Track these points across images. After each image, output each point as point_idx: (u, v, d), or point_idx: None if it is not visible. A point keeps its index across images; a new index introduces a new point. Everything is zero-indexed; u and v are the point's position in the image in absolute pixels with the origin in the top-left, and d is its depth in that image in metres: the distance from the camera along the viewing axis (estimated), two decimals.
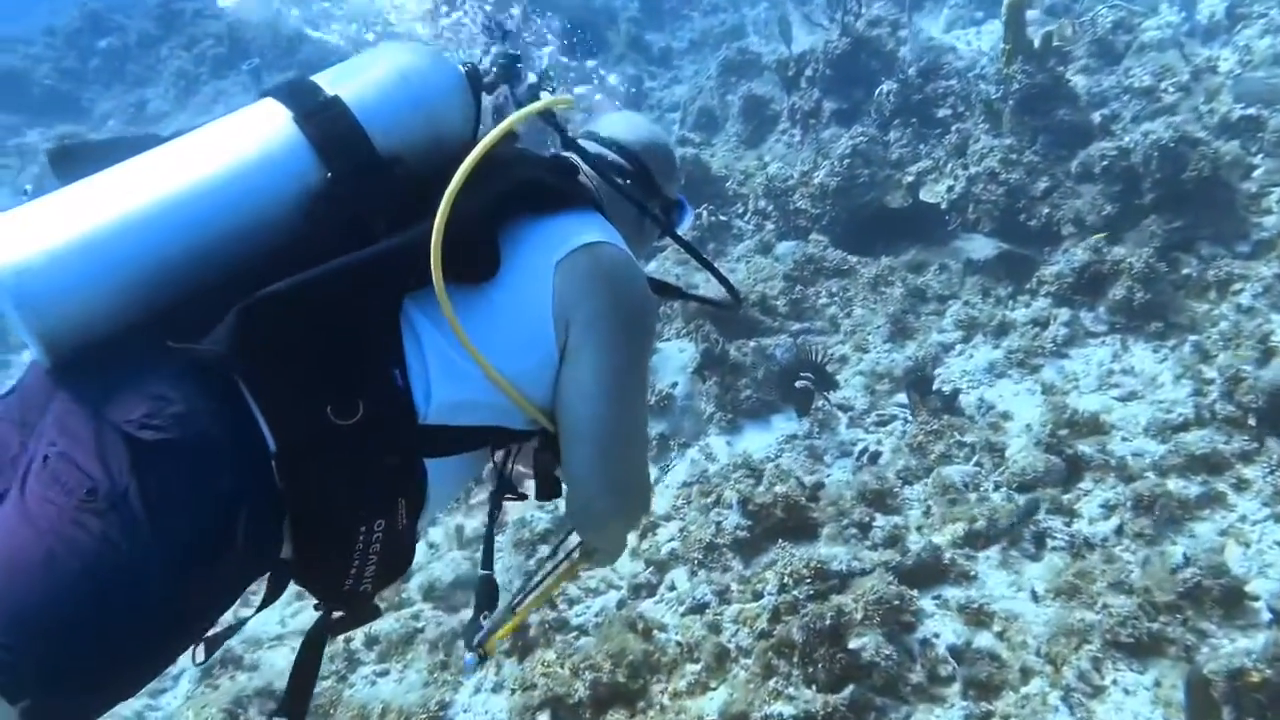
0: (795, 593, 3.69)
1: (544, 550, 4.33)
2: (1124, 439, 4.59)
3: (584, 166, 1.74)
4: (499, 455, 1.72)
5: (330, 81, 1.49)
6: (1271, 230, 5.46)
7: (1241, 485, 4.18)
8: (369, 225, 1.42)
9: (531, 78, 1.72)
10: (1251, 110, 6.10)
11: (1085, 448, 4.44)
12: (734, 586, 3.89)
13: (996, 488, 4.39)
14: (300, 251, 1.37)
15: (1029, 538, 4.04)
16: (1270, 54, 6.75)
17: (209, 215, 1.36)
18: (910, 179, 6.66)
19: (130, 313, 1.32)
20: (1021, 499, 4.23)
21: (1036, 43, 6.22)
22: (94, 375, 1.32)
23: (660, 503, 4.69)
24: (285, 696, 1.55)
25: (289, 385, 1.36)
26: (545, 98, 1.64)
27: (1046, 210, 5.93)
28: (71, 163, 1.47)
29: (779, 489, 4.20)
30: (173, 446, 1.28)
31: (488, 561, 1.79)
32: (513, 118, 1.53)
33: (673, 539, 4.34)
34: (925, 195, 6.50)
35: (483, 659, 1.72)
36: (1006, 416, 4.99)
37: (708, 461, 4.95)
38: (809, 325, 6.18)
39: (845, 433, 5.21)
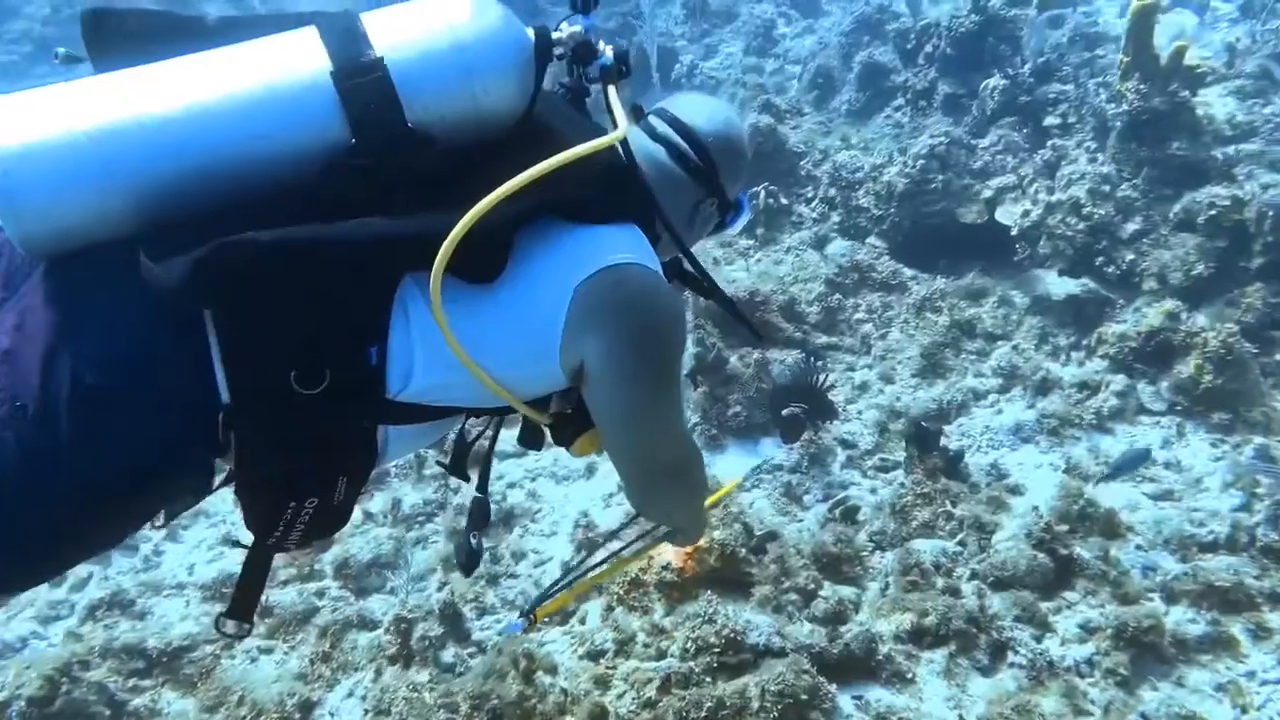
0: (695, 663, 3.33)
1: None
2: (1137, 547, 3.98)
3: (646, 147, 1.66)
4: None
5: (382, 29, 1.38)
6: None
7: (1261, 633, 3.55)
8: (385, 197, 1.35)
9: (607, 52, 1.58)
10: None
11: (1083, 550, 3.85)
12: (640, 637, 3.55)
13: (972, 577, 3.87)
14: (306, 202, 1.31)
15: (985, 645, 3.53)
16: None
17: (215, 143, 1.30)
18: (989, 194, 5.93)
19: (113, 223, 1.29)
20: (995, 597, 3.72)
21: (1164, 58, 5.36)
22: (71, 277, 1.31)
23: (609, 517, 4.37)
24: (235, 592, 1.55)
25: (256, 341, 1.33)
26: (614, 97, 1.54)
27: (1130, 257, 5.17)
28: (105, 32, 1.43)
29: (718, 535, 3.80)
30: (114, 395, 1.28)
31: (483, 485, 1.85)
32: (586, 147, 1.40)
33: (605, 563, 4.01)
34: (1001, 215, 5.78)
35: (531, 625, 1.90)
36: (1015, 491, 4.41)
37: None
38: (836, 341, 5.65)
39: (838, 472, 4.73)
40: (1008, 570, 3.80)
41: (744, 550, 3.81)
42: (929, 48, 7.67)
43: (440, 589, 3.97)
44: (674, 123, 1.71)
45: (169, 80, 1.31)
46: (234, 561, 4.13)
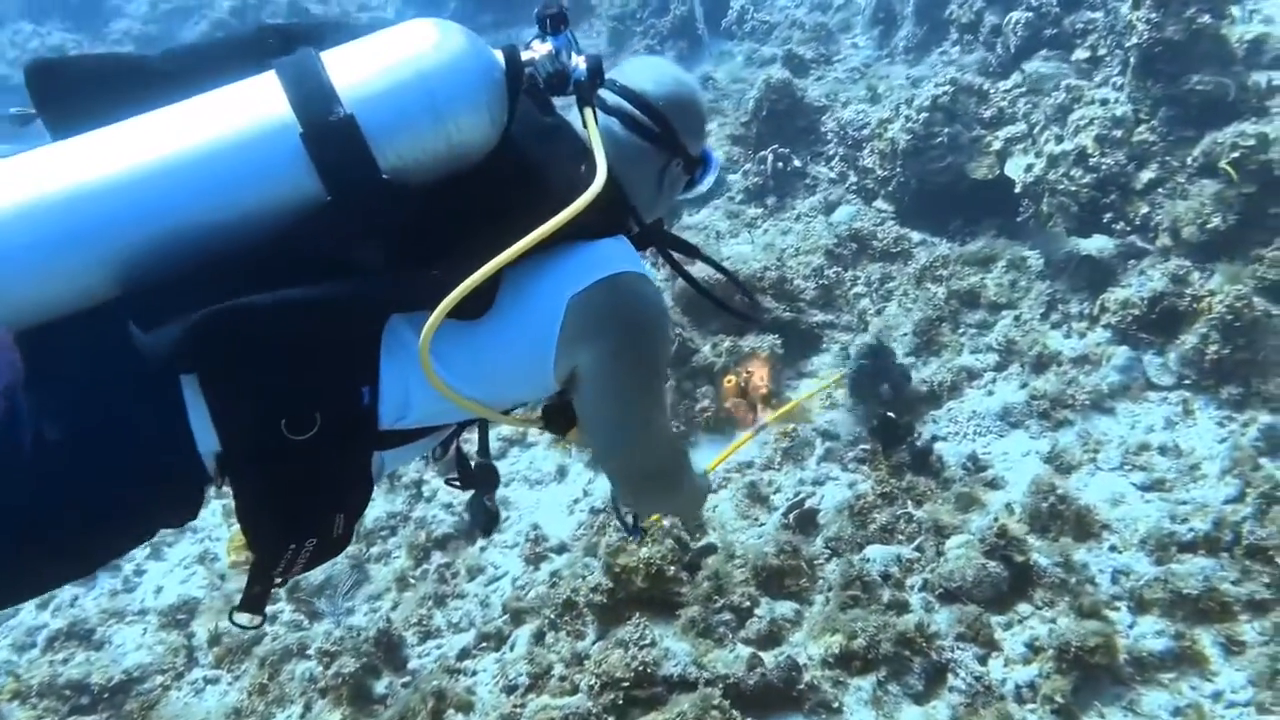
0: (602, 699, 3.30)
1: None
2: (1111, 548, 3.65)
3: (603, 123, 1.59)
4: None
5: (346, 72, 1.32)
6: None
7: (1234, 647, 3.22)
8: (366, 247, 1.33)
9: (580, 64, 1.52)
10: None
11: (1041, 556, 3.57)
12: (557, 670, 3.54)
13: (923, 587, 3.66)
14: (286, 256, 1.29)
15: (921, 669, 3.34)
16: None
17: (185, 207, 1.27)
18: (999, 145, 5.44)
19: (88, 292, 1.28)
20: (943, 611, 3.51)
21: None
22: (40, 334, 1.31)
23: (564, 527, 4.36)
24: (246, 588, 1.55)
25: (244, 395, 1.33)
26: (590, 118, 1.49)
27: (1144, 210, 4.65)
28: (53, 86, 1.39)
29: (645, 552, 3.72)
30: (83, 447, 1.30)
31: (484, 450, 1.89)
32: (575, 207, 1.36)
33: (549, 581, 4.01)
34: (1010, 169, 5.30)
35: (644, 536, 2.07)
36: (993, 485, 4.12)
37: None
38: (832, 319, 5.36)
39: (815, 467, 4.53)
40: (955, 581, 3.57)
41: (674, 568, 3.73)
42: None
43: (395, 608, 4.08)
44: (624, 92, 1.68)
45: (132, 145, 1.28)
46: (198, 586, 4.36)
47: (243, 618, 1.55)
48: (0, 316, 1.28)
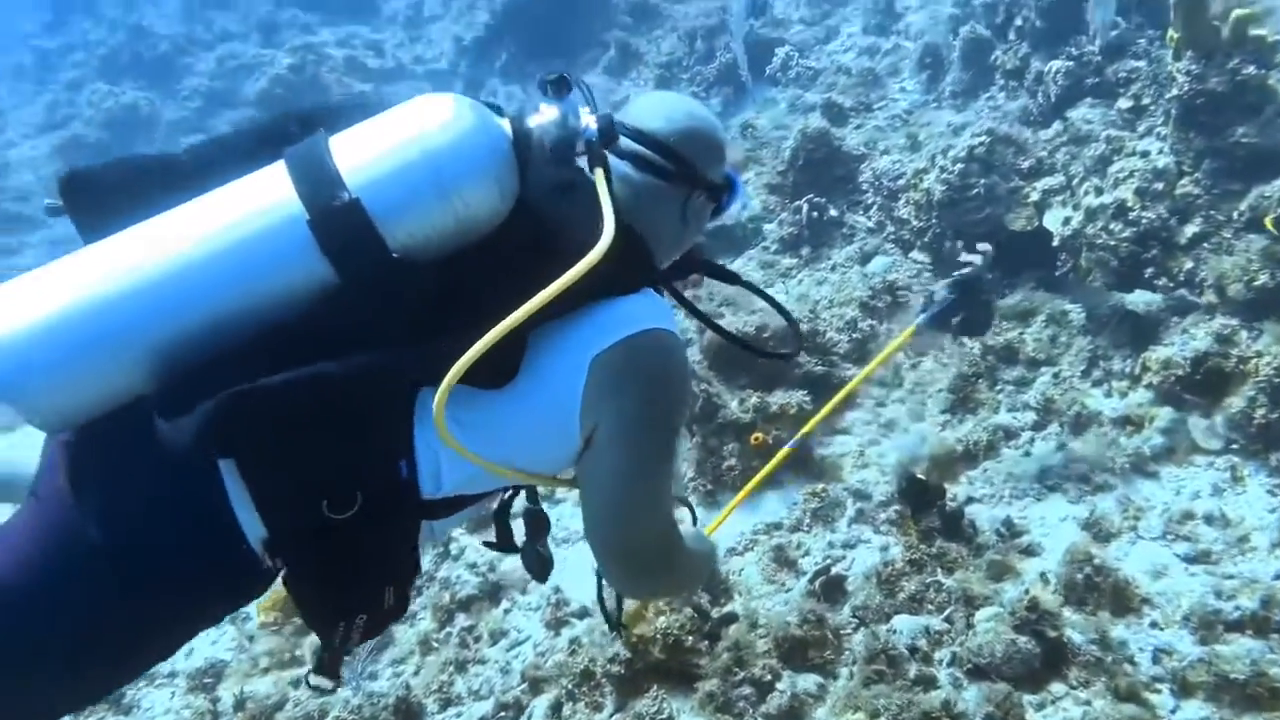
0: None
1: None
2: (1152, 625, 3.48)
3: (617, 168, 1.60)
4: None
5: (352, 156, 1.36)
6: None
7: None
8: (384, 322, 1.37)
9: (590, 124, 1.53)
10: None
11: (1074, 633, 3.42)
12: None
13: (951, 662, 3.53)
14: (307, 336, 1.33)
15: None
16: None
17: (205, 302, 1.32)
18: (1037, 196, 5.33)
19: (123, 390, 1.33)
20: (971, 689, 3.38)
21: (1225, 30, 4.60)
22: (81, 439, 1.38)
23: (587, 590, 4.31)
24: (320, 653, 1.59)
25: (281, 479, 1.37)
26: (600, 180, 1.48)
27: (1188, 266, 4.49)
28: (85, 193, 1.47)
29: (662, 621, 3.66)
30: (136, 550, 1.35)
31: (533, 498, 1.87)
32: (582, 265, 1.36)
33: (570, 648, 3.97)
34: (1049, 221, 5.19)
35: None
36: (1029, 551, 3.97)
37: None
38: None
39: (845, 530, 4.43)
40: (984, 656, 3.44)
41: (692, 638, 3.66)
42: (1019, 20, 6.98)
43: (417, 672, 4.07)
44: (634, 134, 1.66)
45: (148, 246, 1.32)
46: (226, 647, 4.40)
47: (320, 680, 1.57)
48: (37, 424, 1.33)
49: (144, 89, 12.95)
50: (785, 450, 3.79)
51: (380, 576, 1.48)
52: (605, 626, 2.03)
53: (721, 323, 1.89)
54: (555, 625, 4.13)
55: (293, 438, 1.33)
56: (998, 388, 4.87)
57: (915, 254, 5.85)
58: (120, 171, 1.48)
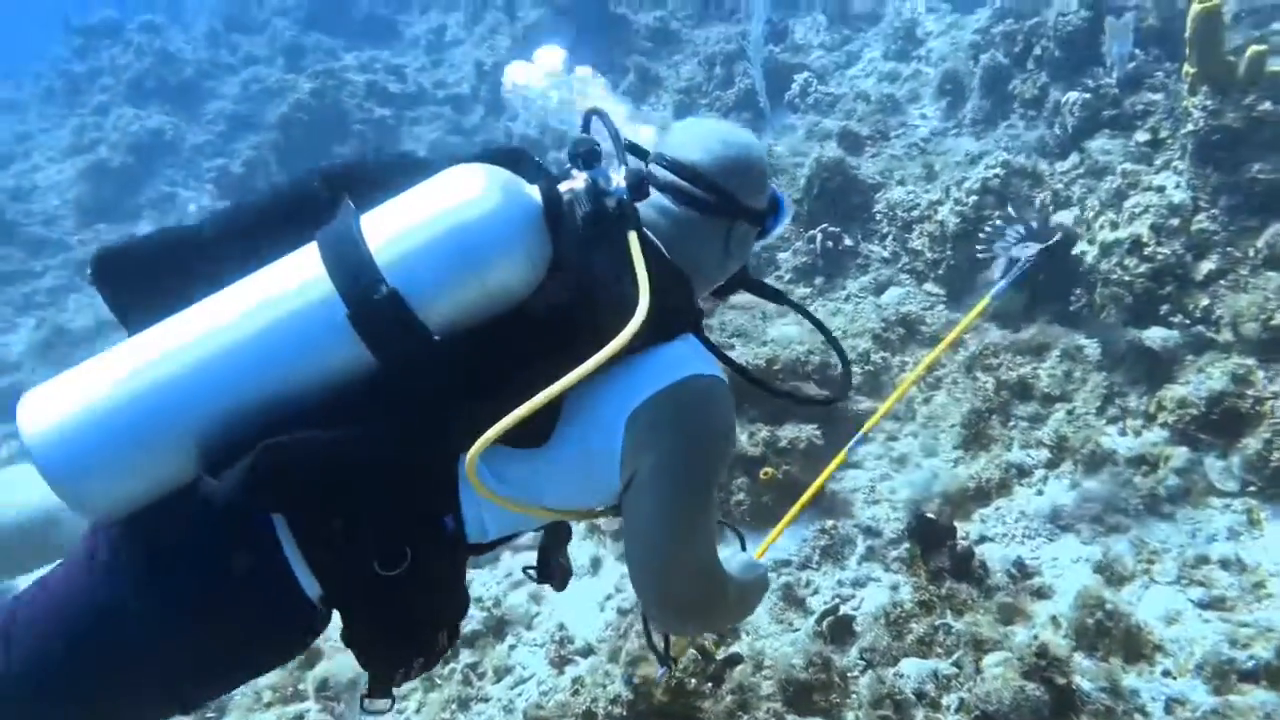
0: None
1: None
2: (1165, 673, 3.42)
3: (657, 202, 1.64)
4: None
5: (385, 239, 1.37)
6: None
7: None
8: (424, 396, 1.40)
9: (620, 182, 1.52)
10: None
11: (1084, 680, 3.36)
12: None
13: (960, 707, 3.47)
14: (348, 407, 1.36)
15: None
16: None
17: (247, 391, 1.35)
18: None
19: (169, 478, 1.35)
20: None
21: (1241, 66, 4.55)
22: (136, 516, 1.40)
23: (593, 627, 4.29)
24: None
25: (330, 537, 1.40)
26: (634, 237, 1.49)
27: (1204, 303, 4.43)
28: (115, 274, 1.50)
29: None
30: (201, 614, 1.42)
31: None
32: (616, 344, 1.37)
33: (573, 688, 3.94)
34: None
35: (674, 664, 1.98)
36: (1041, 594, 3.91)
37: None
38: (879, 407, 5.23)
39: (855, 567, 4.39)
40: (992, 703, 3.38)
41: (695, 680, 3.63)
42: (1037, 49, 6.96)
43: (419, 710, 4.06)
44: (673, 166, 1.67)
45: (189, 341, 1.35)
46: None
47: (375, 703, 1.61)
48: (91, 515, 1.38)
49: (169, 113, 13.15)
50: (840, 456, 3.81)
51: (434, 622, 1.53)
52: (652, 659, 2.03)
53: (731, 354, 1.88)
54: (559, 663, 4.10)
55: (336, 498, 1.37)
56: (1011, 424, 4.82)
57: (929, 285, 5.81)
58: (147, 249, 1.51)
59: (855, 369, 5.38)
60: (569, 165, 1.56)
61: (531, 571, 1.86)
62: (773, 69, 10.04)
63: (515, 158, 1.58)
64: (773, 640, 3.97)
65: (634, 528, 1.54)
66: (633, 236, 1.47)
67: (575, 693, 3.83)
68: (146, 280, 1.47)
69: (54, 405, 1.31)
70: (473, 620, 4.44)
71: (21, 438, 1.30)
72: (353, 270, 1.34)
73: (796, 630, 4.06)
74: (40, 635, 1.42)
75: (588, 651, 4.16)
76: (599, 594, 4.53)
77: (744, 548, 2.06)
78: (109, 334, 9.64)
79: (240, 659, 1.53)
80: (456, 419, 1.37)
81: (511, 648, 4.33)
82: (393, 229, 1.38)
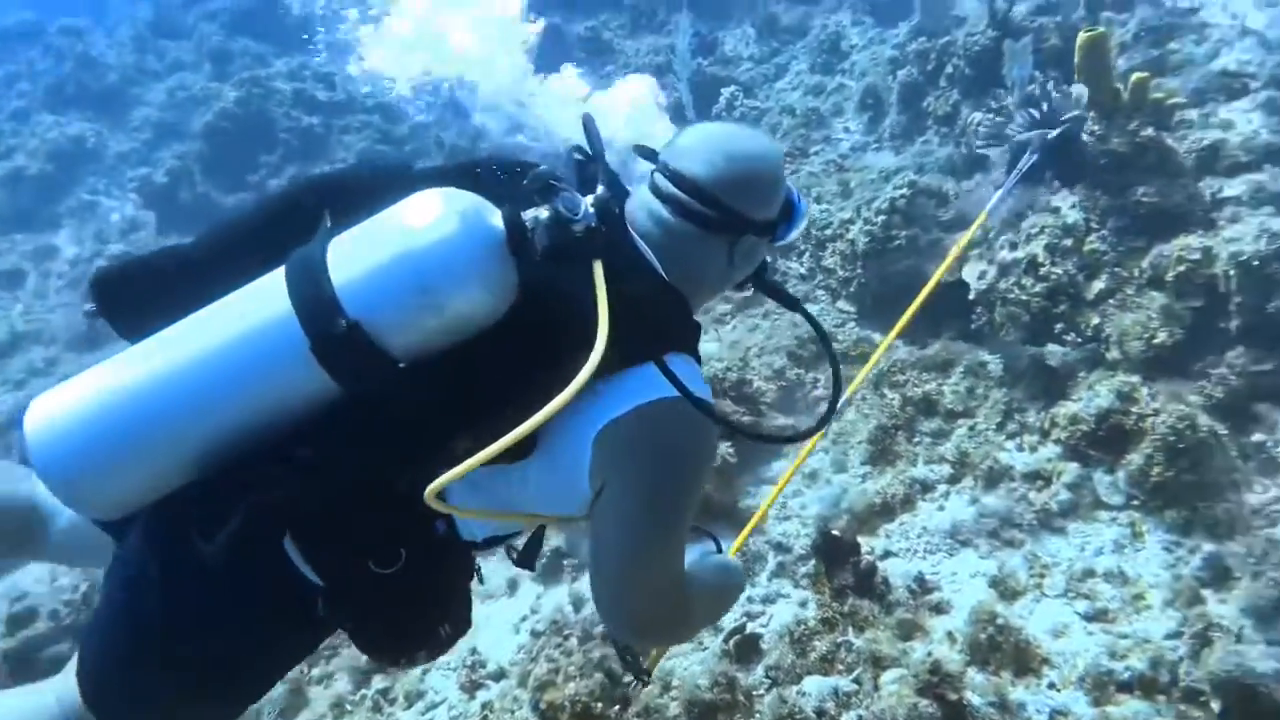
0: None
1: None
2: (1050, 686, 3.56)
3: (657, 214, 1.62)
4: None
5: (347, 280, 1.39)
6: None
7: None
8: (394, 421, 1.44)
9: (588, 206, 1.48)
10: None
11: (974, 695, 3.48)
12: None
13: None
14: (326, 430, 1.43)
15: None
16: None
17: (216, 415, 1.41)
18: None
19: (158, 484, 1.44)
20: None
21: (1126, 92, 4.74)
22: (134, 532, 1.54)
23: (506, 650, 4.32)
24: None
25: (327, 544, 1.49)
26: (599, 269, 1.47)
27: (1095, 321, 4.61)
28: (114, 294, 1.58)
29: (572, 688, 3.68)
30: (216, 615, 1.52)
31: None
32: (574, 387, 1.38)
33: (482, 713, 3.97)
34: (966, 274, 5.30)
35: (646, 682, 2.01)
36: (939, 609, 4.04)
37: (571, 606, 4.46)
38: (793, 423, 5.34)
39: (764, 584, 4.48)
40: None
41: (602, 704, 3.68)
42: (949, 68, 7.13)
43: None
44: (674, 178, 1.61)
45: (166, 360, 1.41)
46: None
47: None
48: (85, 513, 1.52)
49: (91, 120, 12.82)
50: (818, 434, 3.82)
51: (435, 616, 1.59)
52: (560, 683, 2.06)
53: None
54: (470, 688, 4.12)
55: (326, 524, 1.46)
56: (916, 440, 4.95)
57: (842, 303, 5.94)
58: (143, 269, 1.58)
59: (771, 386, 5.49)
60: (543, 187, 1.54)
61: (514, 554, 1.84)
62: (702, 82, 10.12)
63: (498, 173, 1.60)
64: (681, 660, 4.04)
65: (597, 546, 1.54)
66: (597, 266, 1.45)
67: (484, 718, 3.87)
68: (143, 299, 1.53)
69: (51, 408, 1.41)
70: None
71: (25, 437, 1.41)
72: (314, 303, 1.37)
73: (705, 649, 4.13)
74: (95, 654, 1.60)
75: (500, 675, 4.19)
76: (514, 616, 4.55)
77: (719, 549, 2.02)
78: (26, 346, 9.40)
79: (257, 658, 1.62)
80: (427, 444, 1.41)
81: (425, 672, 4.33)
82: (354, 258, 1.40)
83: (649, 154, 1.71)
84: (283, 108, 10.99)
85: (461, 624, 1.64)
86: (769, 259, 1.88)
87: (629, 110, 2.12)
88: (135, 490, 1.43)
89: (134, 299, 1.55)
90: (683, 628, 1.76)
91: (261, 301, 1.42)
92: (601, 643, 4.27)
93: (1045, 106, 4.98)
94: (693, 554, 1.81)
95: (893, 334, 3.59)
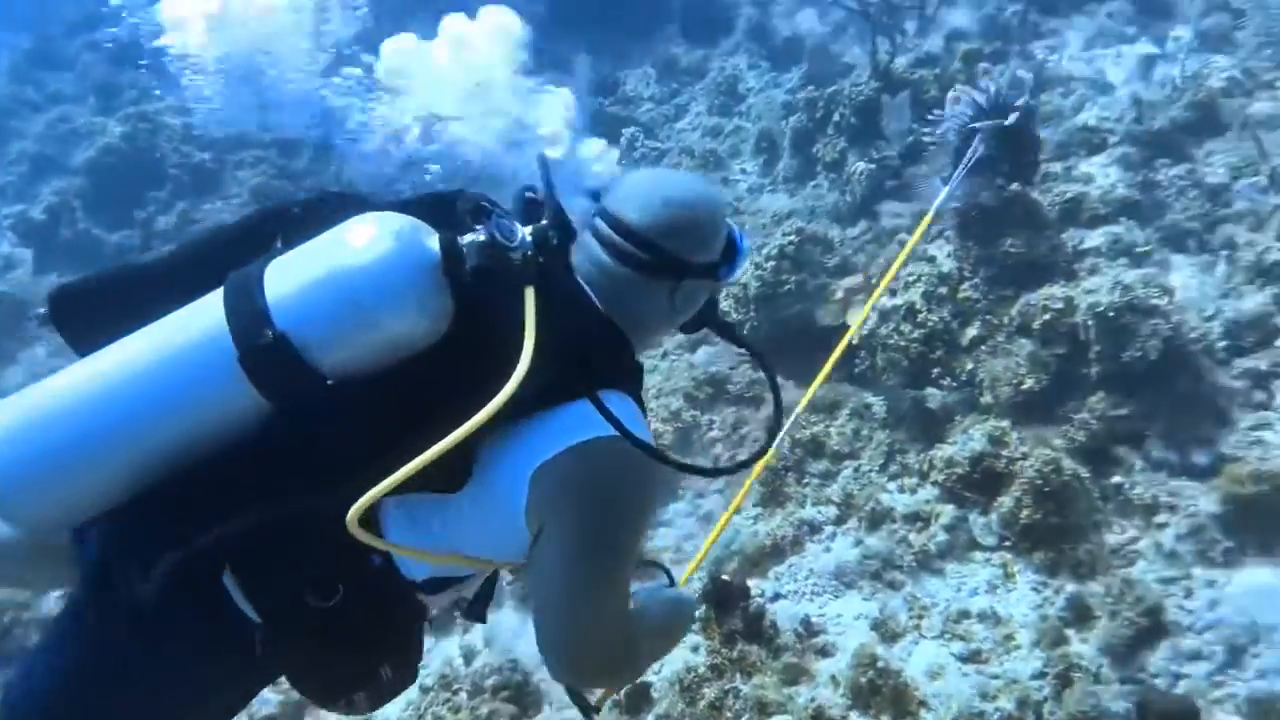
0: None
1: None
2: None
3: (598, 258, 1.62)
4: None
5: (283, 286, 1.41)
6: (1241, 441, 4.15)
7: None
8: (324, 443, 1.43)
9: (525, 234, 1.50)
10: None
11: None
12: None
13: None
14: (258, 454, 1.42)
15: None
16: None
17: (151, 431, 1.40)
18: (841, 294, 5.63)
19: (89, 503, 1.43)
20: None
21: None
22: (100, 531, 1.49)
23: (391, 707, 4.23)
24: None
25: (262, 577, 1.46)
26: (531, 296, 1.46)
27: (970, 366, 4.82)
28: (70, 309, 1.58)
29: None
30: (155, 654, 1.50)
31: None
32: (498, 401, 1.37)
33: None
34: (851, 319, 5.47)
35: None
36: (824, 652, 4.13)
37: (462, 660, 4.40)
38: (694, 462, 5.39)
39: None
40: None
41: None
42: (836, 116, 7.38)
43: None
44: (612, 223, 1.61)
45: (101, 375, 1.42)
46: None
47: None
48: (22, 529, 1.51)
49: None
50: (769, 454, 3.80)
51: (373, 654, 1.55)
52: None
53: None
54: None
55: (253, 554, 1.44)
56: (805, 481, 5.07)
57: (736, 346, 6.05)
58: (102, 284, 1.59)
59: (668, 428, 5.55)
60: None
61: (463, 605, 1.80)
62: (603, 121, 10.24)
63: (446, 204, 1.58)
64: (570, 710, 4.02)
65: (537, 591, 1.51)
66: (529, 293, 1.45)
67: None
68: (99, 316, 1.52)
69: None
70: (269, 704, 4.30)
71: None
72: (245, 315, 1.39)
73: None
74: (21, 695, 1.56)
75: None
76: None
77: (672, 582, 2.00)
78: None
79: (198, 692, 1.58)
80: (355, 466, 1.38)
81: None
82: (289, 275, 1.43)
83: (594, 197, 1.71)
84: (172, 143, 10.68)
85: (404, 669, 1.60)
86: (718, 297, 1.89)
87: (491, 36, 2.12)
88: (69, 506, 1.42)
89: (87, 314, 1.56)
90: (628, 669, 1.73)
91: (199, 316, 1.43)
92: (491, 697, 4.25)
93: (994, 91, 4.92)
94: (643, 589, 1.79)
95: (830, 363, 3.65)
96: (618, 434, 1.43)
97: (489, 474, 1.46)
